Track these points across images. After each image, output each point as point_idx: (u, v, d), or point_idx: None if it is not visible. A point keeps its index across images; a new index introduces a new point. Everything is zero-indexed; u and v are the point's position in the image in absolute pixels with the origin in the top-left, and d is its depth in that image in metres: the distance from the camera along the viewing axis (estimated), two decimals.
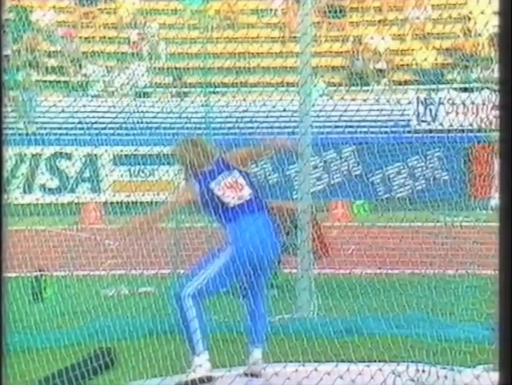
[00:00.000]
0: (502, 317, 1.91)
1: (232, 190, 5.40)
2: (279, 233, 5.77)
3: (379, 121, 15.09)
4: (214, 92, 14.21)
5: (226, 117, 14.18)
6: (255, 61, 18.28)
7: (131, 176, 15.05)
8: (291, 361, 5.35)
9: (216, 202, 5.36)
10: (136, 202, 9.86)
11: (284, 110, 12.90)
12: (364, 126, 15.02)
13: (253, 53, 18.61)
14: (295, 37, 15.15)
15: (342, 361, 5.25)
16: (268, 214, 5.47)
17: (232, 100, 16.09)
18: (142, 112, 15.40)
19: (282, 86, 15.98)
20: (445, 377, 4.69)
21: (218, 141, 11.44)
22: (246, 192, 5.39)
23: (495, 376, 4.65)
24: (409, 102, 16.16)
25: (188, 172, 5.55)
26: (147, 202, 9.75)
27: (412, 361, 4.83)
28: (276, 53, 18.26)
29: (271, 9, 19.44)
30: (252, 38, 18.83)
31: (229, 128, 14.31)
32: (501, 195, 1.91)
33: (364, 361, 4.89)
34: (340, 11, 18.96)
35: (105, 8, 18.92)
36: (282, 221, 7.95)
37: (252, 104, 16.11)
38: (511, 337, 1.87)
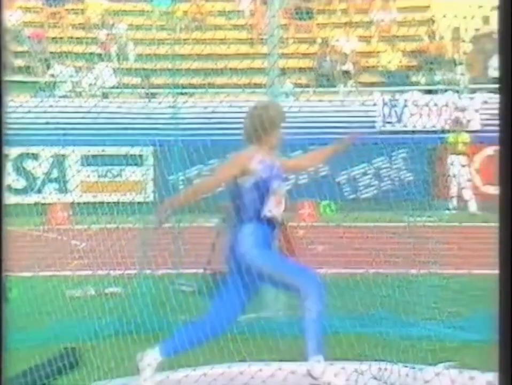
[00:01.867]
0: (502, 318, 1.89)
1: (275, 201, 4.98)
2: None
3: (345, 121, 15.16)
4: (181, 93, 14.16)
5: (194, 118, 14.16)
6: (223, 63, 18.27)
7: (98, 176, 14.96)
8: (256, 360, 5.34)
9: (257, 200, 4.95)
10: (103, 203, 9.79)
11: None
12: (330, 127, 15.09)
13: (220, 55, 18.61)
14: (262, 39, 15.17)
15: (306, 360, 5.26)
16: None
17: (200, 101, 16.08)
18: (109, 112, 15.33)
19: (250, 87, 16.00)
20: (407, 375, 4.72)
21: (187, 142, 11.45)
22: (281, 209, 5.01)
23: (455, 373, 4.70)
24: (375, 104, 16.24)
25: (255, 145, 5.10)
26: (114, 202, 9.69)
27: (375, 360, 4.86)
28: (243, 54, 18.26)
29: (238, 11, 19.43)
30: (220, 39, 18.82)
31: (197, 129, 14.30)
32: (501, 195, 1.89)
33: (327, 360, 4.90)
34: (307, 13, 19.02)
35: (73, 9, 18.78)
36: None
37: (220, 105, 16.10)
38: (511, 339, 1.86)
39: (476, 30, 17.56)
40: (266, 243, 4.95)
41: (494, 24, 17.75)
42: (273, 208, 4.95)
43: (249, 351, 5.59)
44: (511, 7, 1.83)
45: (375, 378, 4.52)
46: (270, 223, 4.97)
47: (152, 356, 4.89)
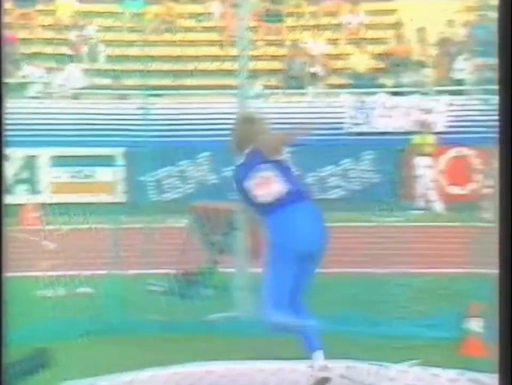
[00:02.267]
0: (503, 318, 1.89)
1: (263, 186, 5.03)
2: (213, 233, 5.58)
3: (314, 123, 15.20)
4: (152, 95, 14.14)
5: (165, 119, 14.13)
6: (193, 64, 18.25)
7: (69, 177, 14.88)
8: (225, 359, 5.36)
9: (249, 196, 5.04)
10: (74, 203, 9.75)
11: (222, 112, 12.88)
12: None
13: (191, 56, 18.58)
14: (232, 41, 15.17)
15: (276, 358, 5.29)
16: (310, 202, 5.09)
17: (171, 102, 16.05)
18: (80, 113, 15.25)
19: (220, 88, 16.01)
20: (374, 373, 4.76)
21: (158, 143, 11.43)
22: (277, 188, 5.03)
23: (420, 371, 4.75)
24: (343, 106, 16.33)
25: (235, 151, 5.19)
26: (85, 203, 9.68)
27: (343, 358, 4.90)
28: (213, 56, 18.25)
29: (209, 13, 19.42)
30: (190, 41, 18.80)
31: (168, 130, 14.27)
32: (501, 196, 1.90)
33: (297, 358, 4.94)
34: (277, 16, 19.06)
35: (43, 10, 18.64)
36: (218, 221, 7.97)
37: (190, 106, 16.09)
38: (511, 340, 1.86)
39: (441, 33, 17.72)
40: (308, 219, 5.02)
41: (458, 28, 17.93)
42: (267, 191, 5.03)
43: (218, 350, 5.61)
44: (511, 7, 1.83)
45: (343, 376, 4.56)
46: (286, 201, 5.02)
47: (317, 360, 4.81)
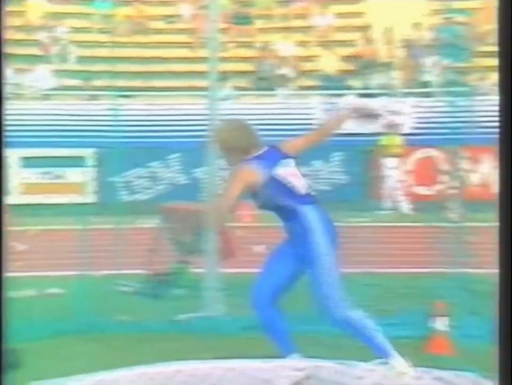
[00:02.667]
0: (503, 318, 1.88)
1: (296, 178, 4.99)
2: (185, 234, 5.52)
3: (284, 124, 15.26)
4: (122, 96, 14.07)
5: (135, 120, 14.09)
6: (164, 66, 18.22)
7: (39, 178, 14.77)
8: (195, 359, 5.37)
9: (286, 186, 4.93)
10: (44, 204, 9.69)
11: (195, 114, 12.86)
12: (269, 130, 15.16)
13: (161, 58, 18.54)
14: (202, 43, 15.17)
15: (245, 357, 5.31)
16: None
17: (141, 103, 15.99)
18: (50, 114, 15.15)
19: (191, 90, 15.99)
20: (340, 372, 4.79)
21: (128, 144, 11.39)
22: (305, 183, 5.02)
23: (386, 369, 4.79)
24: (312, 107, 16.38)
25: (239, 156, 5.03)
26: (55, 204, 9.62)
27: (310, 357, 4.92)
28: (183, 58, 18.23)
29: (179, 15, 19.39)
30: (160, 43, 18.76)
31: (138, 131, 14.22)
32: (501, 195, 1.90)
33: (265, 357, 4.96)
34: (247, 18, 19.09)
35: (13, 10, 18.48)
36: (188, 222, 7.97)
37: (161, 108, 16.05)
38: (511, 340, 1.85)
39: (408, 35, 17.86)
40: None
41: (425, 30, 18.08)
42: (301, 183, 4.98)
43: (188, 350, 5.62)
44: (511, 8, 1.83)
45: (309, 375, 4.58)
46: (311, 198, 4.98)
47: (398, 364, 4.77)
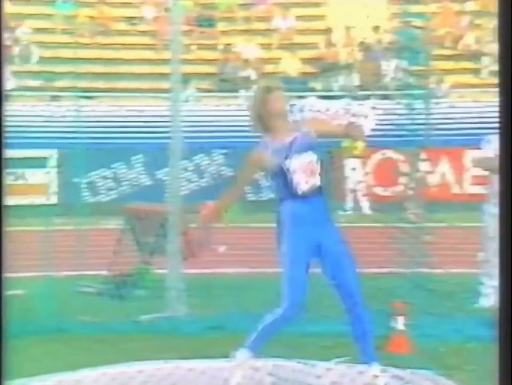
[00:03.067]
0: (503, 318, 1.87)
1: (304, 174, 4.76)
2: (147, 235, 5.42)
3: (248, 125, 15.28)
4: (84, 97, 13.97)
5: (98, 121, 14.00)
6: (127, 67, 18.12)
7: None
8: (159, 359, 5.36)
9: (288, 181, 4.76)
10: (6, 206, 9.55)
11: (158, 116, 12.83)
12: (233, 131, 15.18)
13: (124, 59, 18.44)
14: (165, 45, 15.13)
15: (207, 357, 5.31)
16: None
17: (104, 104, 15.89)
18: (11, 115, 14.96)
19: (154, 92, 15.94)
20: (300, 371, 4.82)
21: (91, 145, 11.31)
22: (317, 179, 4.79)
23: (345, 368, 4.83)
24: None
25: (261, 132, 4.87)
26: (17, 205, 9.43)
27: (271, 356, 4.94)
28: (146, 59, 18.16)
29: (142, 17, 19.31)
30: (123, 44, 18.65)
31: (101, 132, 14.13)
32: (501, 195, 1.90)
33: (226, 357, 4.97)
34: (210, 20, 19.08)
35: None
36: (151, 223, 7.95)
37: (123, 109, 15.96)
38: (511, 341, 1.84)
39: (368, 38, 17.99)
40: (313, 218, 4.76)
41: (384, 33, 18.23)
42: (309, 178, 4.79)
43: (150, 350, 5.60)
44: (511, 9, 1.83)
45: (271, 374, 4.60)
46: (312, 196, 4.79)
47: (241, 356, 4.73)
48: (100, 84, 16.99)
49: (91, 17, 19.03)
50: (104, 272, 7.95)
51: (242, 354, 4.66)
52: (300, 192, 4.77)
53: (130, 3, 19.48)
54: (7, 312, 1.88)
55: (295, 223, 4.71)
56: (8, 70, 17.02)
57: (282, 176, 4.81)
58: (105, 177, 15.10)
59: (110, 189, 15.08)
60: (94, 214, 10.44)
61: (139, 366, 5.17)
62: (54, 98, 15.98)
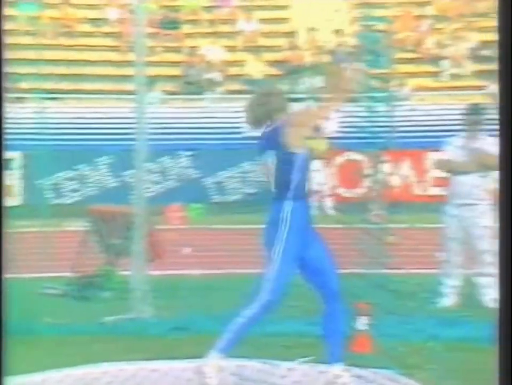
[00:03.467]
0: (503, 318, 1.86)
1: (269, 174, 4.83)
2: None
3: (213, 128, 15.28)
4: (48, 98, 13.85)
5: (62, 123, 13.89)
6: (91, 69, 17.99)
7: None
8: (123, 360, 5.33)
9: (303, 179, 4.81)
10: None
11: (123, 117, 12.76)
12: (199, 133, 15.17)
13: (89, 61, 18.31)
14: (130, 47, 15.06)
15: (169, 358, 5.30)
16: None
17: (68, 106, 15.76)
18: None
19: (119, 94, 15.85)
20: (264, 371, 4.83)
21: (55, 147, 11.22)
22: (272, 178, 4.84)
23: (308, 368, 4.85)
24: (241, 111, 16.42)
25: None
26: None
27: (234, 356, 4.94)
28: (111, 61, 18.05)
29: (107, 19, 19.19)
30: (87, 46, 18.52)
31: (65, 134, 14.03)
32: (501, 195, 1.89)
33: (190, 358, 4.96)
34: (175, 23, 19.03)
35: None
36: (116, 224, 7.90)
37: (88, 110, 15.84)
38: (511, 341, 1.83)
39: (331, 41, 18.09)
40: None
41: (347, 37, 18.33)
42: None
43: (114, 352, 5.57)
44: (511, 11, 1.82)
45: (234, 374, 4.60)
46: (307, 197, 4.88)
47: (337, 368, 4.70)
48: (64, 85, 16.86)
49: (55, 19, 18.86)
50: (68, 274, 7.89)
51: (214, 357, 4.63)
52: (306, 192, 4.82)
53: (94, 5, 19.35)
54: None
55: (295, 223, 4.71)
56: None
57: (301, 173, 4.80)
58: (69, 179, 14.98)
59: (75, 191, 14.96)
60: (58, 216, 10.36)
61: (103, 367, 5.14)
62: (18, 99, 15.80)
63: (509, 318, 1.84)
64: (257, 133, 5.00)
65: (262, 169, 4.87)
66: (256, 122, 4.97)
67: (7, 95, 1.93)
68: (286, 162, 4.79)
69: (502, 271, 1.89)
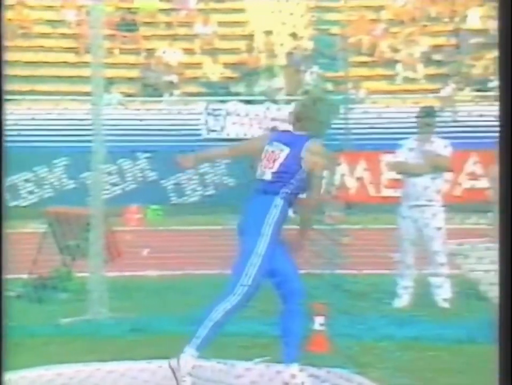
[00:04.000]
0: (503, 318, 1.84)
1: (267, 161, 4.84)
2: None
3: (172, 130, 15.21)
4: (5, 100, 13.65)
5: (19, 124, 13.69)
6: (48, 70, 17.78)
7: None
8: (80, 362, 5.27)
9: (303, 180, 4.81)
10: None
11: (80, 119, 12.62)
12: (157, 135, 15.09)
13: (45, 62, 18.08)
14: (87, 48, 14.92)
15: (126, 359, 5.25)
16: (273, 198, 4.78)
17: (25, 108, 15.56)
18: None
19: (76, 95, 15.69)
20: (220, 370, 4.82)
21: (12, 148, 11.02)
22: (270, 170, 4.82)
23: (264, 368, 4.85)
24: (199, 113, 16.40)
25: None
26: None
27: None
28: (68, 63, 17.86)
29: (65, 21, 18.99)
30: (44, 47, 18.30)
31: (22, 135, 13.82)
32: (501, 195, 1.87)
33: (146, 359, 4.92)
34: (133, 25, 18.90)
35: None
36: (72, 226, 7.82)
37: (44, 112, 15.64)
38: (511, 340, 1.81)
39: (289, 45, 18.15)
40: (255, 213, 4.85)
41: (303, 40, 18.40)
42: (266, 167, 4.89)
43: (69, 353, 5.51)
44: (511, 13, 1.81)
45: (190, 374, 4.58)
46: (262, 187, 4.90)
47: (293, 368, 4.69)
48: (21, 86, 16.62)
49: (11, 20, 18.59)
50: (24, 276, 7.78)
51: (188, 356, 4.58)
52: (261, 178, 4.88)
53: (51, 6, 19.13)
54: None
55: (280, 221, 4.77)
56: None
57: (304, 175, 4.84)
58: (26, 181, 14.78)
59: (31, 193, 14.77)
60: (15, 217, 10.20)
61: (59, 369, 5.07)
62: None
63: (509, 318, 1.83)
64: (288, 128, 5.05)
65: (260, 157, 4.86)
66: (298, 121, 4.98)
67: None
68: (295, 165, 4.82)
69: (502, 270, 1.88)
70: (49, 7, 19.14)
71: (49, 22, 18.85)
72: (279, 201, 4.77)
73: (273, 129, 15.83)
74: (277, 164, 4.82)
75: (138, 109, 15.98)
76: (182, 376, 4.52)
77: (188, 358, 4.57)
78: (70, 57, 17.99)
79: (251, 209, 4.83)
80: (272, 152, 4.86)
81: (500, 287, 1.88)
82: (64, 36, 18.57)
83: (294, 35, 18.14)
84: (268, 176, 4.83)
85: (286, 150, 4.84)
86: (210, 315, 4.64)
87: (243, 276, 4.67)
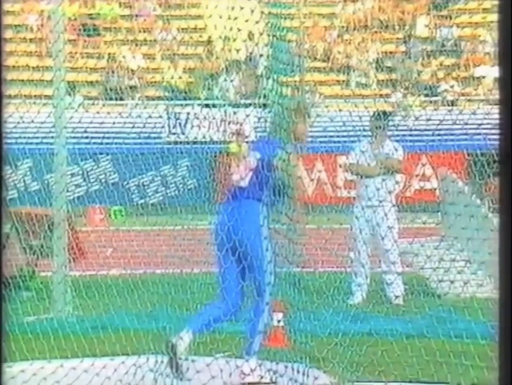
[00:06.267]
0: (502, 319, 1.81)
1: (243, 168, 4.86)
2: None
3: (133, 132, 15.11)
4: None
5: None
6: (10, 74, 17.52)
7: None
8: (43, 359, 5.19)
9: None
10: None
11: (42, 122, 12.45)
12: (119, 138, 14.97)
13: (7, 66, 17.82)
14: (50, 52, 14.74)
15: (88, 356, 5.19)
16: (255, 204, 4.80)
17: None
18: None
19: (40, 99, 15.48)
20: (181, 366, 4.78)
21: None
22: (247, 177, 4.82)
23: (223, 363, 4.82)
24: (160, 116, 16.33)
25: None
26: None
27: (152, 353, 4.88)
28: (32, 67, 17.62)
29: (26, 25, 18.73)
30: (7, 52, 18.03)
31: None
32: (501, 196, 1.84)
33: (108, 355, 4.87)
34: (94, 30, 18.74)
35: None
36: (36, 226, 7.71)
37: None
38: (511, 340, 1.79)
39: (243, 50, 18.14)
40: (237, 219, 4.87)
41: (261, 46, 18.42)
42: (241, 175, 4.91)
43: (33, 350, 5.42)
44: (511, 14, 1.78)
45: (152, 370, 4.55)
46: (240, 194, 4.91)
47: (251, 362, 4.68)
48: None
49: None
50: None
51: (185, 334, 4.53)
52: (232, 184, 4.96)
53: (13, 11, 18.87)
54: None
55: (267, 227, 4.86)
56: None
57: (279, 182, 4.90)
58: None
59: None
60: None
61: (22, 366, 4.98)
62: None
63: (509, 318, 1.82)
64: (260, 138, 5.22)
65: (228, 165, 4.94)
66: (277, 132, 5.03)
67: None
68: (268, 169, 4.84)
69: (502, 270, 1.87)
70: (12, 12, 18.87)
71: (11, 26, 18.58)
72: (261, 208, 4.82)
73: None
74: (251, 172, 4.85)
75: (101, 113, 15.85)
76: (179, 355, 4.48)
77: (185, 337, 4.55)
78: (32, 61, 17.75)
79: (238, 213, 4.82)
80: (248, 160, 4.91)
81: (500, 288, 1.87)
82: (26, 40, 18.32)
83: (250, 41, 18.15)
84: (244, 183, 4.85)
85: (260, 158, 4.87)
86: (258, 325, 4.73)
87: (268, 275, 4.77)
